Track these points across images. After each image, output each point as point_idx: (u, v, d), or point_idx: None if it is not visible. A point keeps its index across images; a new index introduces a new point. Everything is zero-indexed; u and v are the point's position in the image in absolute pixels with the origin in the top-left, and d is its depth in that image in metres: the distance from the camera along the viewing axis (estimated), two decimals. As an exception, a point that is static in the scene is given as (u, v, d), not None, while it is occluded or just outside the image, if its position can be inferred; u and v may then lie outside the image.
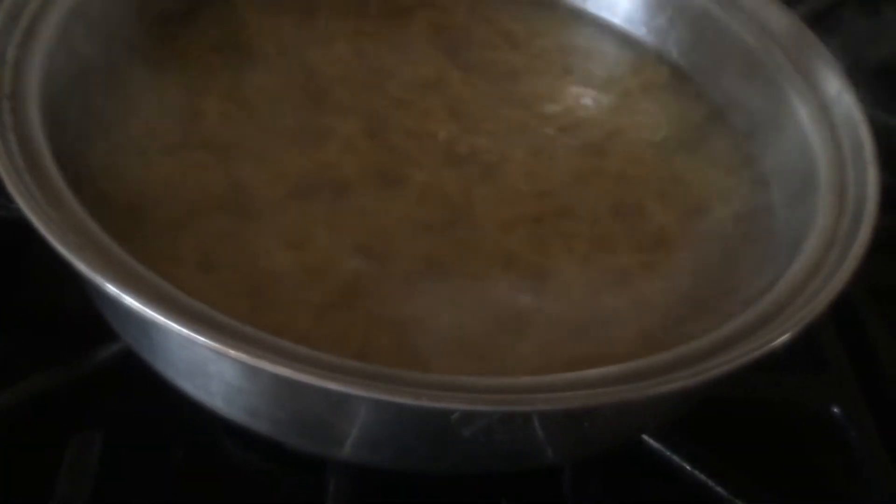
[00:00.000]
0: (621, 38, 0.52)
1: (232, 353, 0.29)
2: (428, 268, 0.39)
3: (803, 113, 0.45)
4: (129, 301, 0.30)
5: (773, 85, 0.46)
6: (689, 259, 0.42)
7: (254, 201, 0.40)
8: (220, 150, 0.42)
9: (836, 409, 0.43)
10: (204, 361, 0.33)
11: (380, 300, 0.38)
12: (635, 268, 0.41)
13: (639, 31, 0.52)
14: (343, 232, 0.40)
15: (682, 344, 0.34)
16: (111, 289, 0.30)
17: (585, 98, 0.49)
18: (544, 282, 0.40)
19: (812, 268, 0.37)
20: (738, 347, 0.34)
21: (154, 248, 0.37)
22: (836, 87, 0.45)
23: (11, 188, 0.33)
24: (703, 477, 0.39)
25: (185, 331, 0.29)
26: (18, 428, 0.38)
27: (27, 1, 0.40)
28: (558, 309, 0.39)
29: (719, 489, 0.39)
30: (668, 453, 0.40)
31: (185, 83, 0.45)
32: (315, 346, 0.35)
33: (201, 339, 0.29)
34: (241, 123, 0.44)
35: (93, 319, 0.38)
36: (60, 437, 0.37)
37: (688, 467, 0.39)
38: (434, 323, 0.37)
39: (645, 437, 0.40)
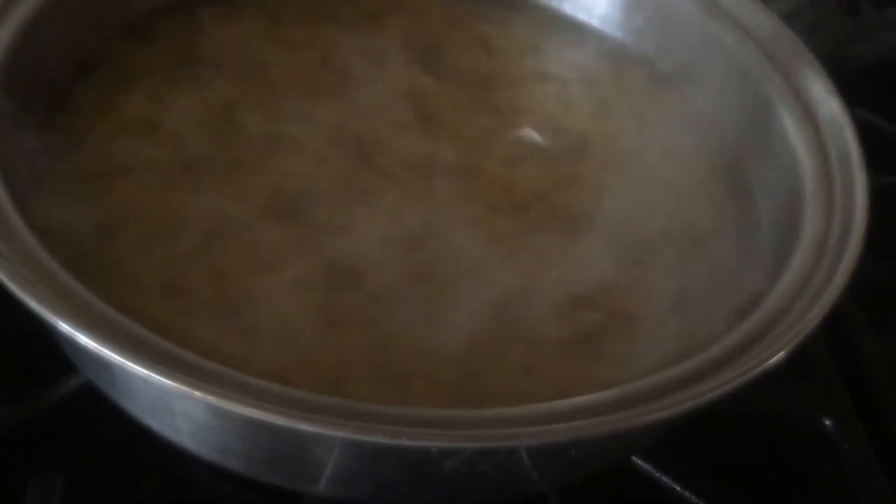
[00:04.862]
0: (599, 40, 0.51)
1: (197, 394, 0.28)
2: (404, 288, 0.37)
3: (787, 117, 0.43)
4: (85, 341, 0.28)
5: (756, 88, 0.45)
6: (673, 272, 0.40)
7: (221, 221, 0.39)
8: (185, 168, 0.40)
9: (827, 422, 0.42)
10: (169, 399, 0.31)
11: (356, 322, 0.36)
12: (618, 282, 0.39)
13: (616, 33, 0.51)
14: (315, 251, 0.38)
15: (672, 365, 0.33)
16: (66, 328, 0.28)
17: (562, 105, 0.47)
18: (525, 299, 0.38)
19: (802, 281, 0.36)
20: (730, 368, 0.32)
21: (114, 275, 0.35)
22: (820, 90, 0.43)
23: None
24: (693, 497, 0.38)
25: (146, 371, 0.28)
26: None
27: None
28: (541, 328, 0.37)
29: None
30: (658, 474, 0.39)
31: (147, 99, 0.43)
32: (288, 374, 0.34)
33: (164, 379, 0.28)
34: (206, 139, 0.42)
35: (51, 350, 0.36)
36: (18, 480, 0.35)
37: (678, 488, 0.38)
38: (412, 345, 0.36)
39: (634, 457, 0.39)
